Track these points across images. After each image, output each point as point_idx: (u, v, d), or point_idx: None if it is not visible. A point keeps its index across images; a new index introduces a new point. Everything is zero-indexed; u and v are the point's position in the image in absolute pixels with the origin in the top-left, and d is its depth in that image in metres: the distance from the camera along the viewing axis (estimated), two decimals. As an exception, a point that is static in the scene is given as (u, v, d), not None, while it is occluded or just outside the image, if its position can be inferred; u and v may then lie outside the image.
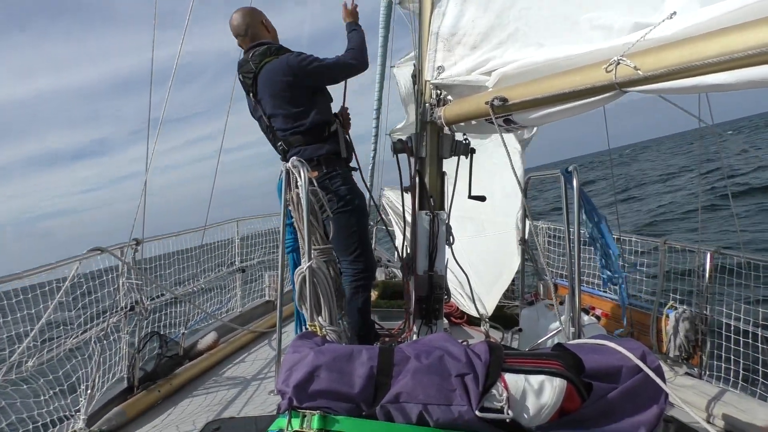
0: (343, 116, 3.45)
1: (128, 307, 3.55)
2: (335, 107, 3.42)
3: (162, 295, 4.22)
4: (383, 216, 7.07)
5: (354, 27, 3.35)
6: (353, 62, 3.22)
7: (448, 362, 1.71)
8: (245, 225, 6.01)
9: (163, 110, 3.97)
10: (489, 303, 4.66)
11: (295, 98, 3.14)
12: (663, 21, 1.73)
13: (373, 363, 1.74)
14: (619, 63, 1.75)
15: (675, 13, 1.71)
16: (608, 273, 3.13)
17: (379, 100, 7.64)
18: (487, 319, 4.49)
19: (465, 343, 1.91)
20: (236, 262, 5.80)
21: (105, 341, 3.40)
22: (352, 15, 3.40)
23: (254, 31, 3.33)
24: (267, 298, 5.97)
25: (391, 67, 6.83)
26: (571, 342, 2.16)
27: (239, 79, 3.36)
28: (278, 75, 3.13)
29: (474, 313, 4.35)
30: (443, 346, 1.79)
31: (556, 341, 2.84)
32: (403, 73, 6.32)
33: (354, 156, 3.40)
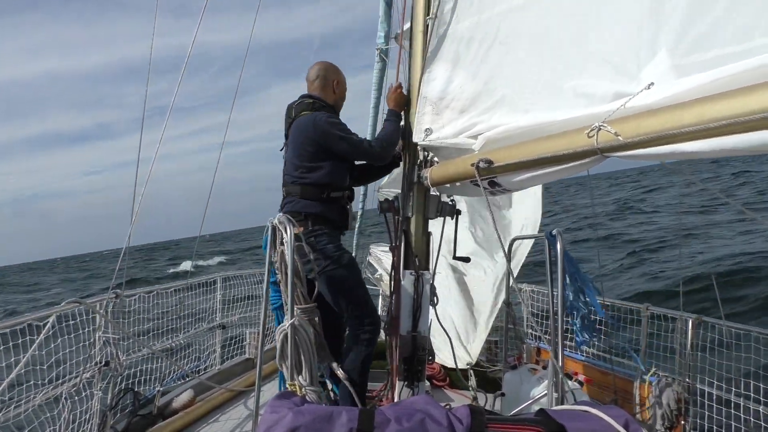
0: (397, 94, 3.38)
1: (103, 362, 3.46)
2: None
3: (139, 350, 4.12)
4: (369, 274, 7.04)
5: (390, 117, 3.33)
6: (375, 153, 3.21)
7: (429, 426, 1.68)
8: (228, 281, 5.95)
9: (171, 107, 3.94)
10: (473, 351, 4.65)
11: (312, 153, 3.15)
12: (641, 91, 1.80)
13: (353, 425, 1.70)
14: (600, 129, 1.81)
15: (653, 83, 1.78)
16: (585, 336, 3.14)
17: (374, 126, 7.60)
18: (472, 368, 4.46)
19: (447, 406, 1.88)
20: (217, 318, 5.71)
21: (77, 397, 3.29)
22: (395, 101, 3.36)
23: (322, 84, 3.40)
24: (247, 355, 5.85)
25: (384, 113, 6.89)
26: (554, 408, 2.13)
27: (284, 121, 3.43)
28: (303, 128, 3.17)
29: (460, 364, 4.32)
30: (425, 409, 1.76)
31: (538, 406, 2.80)
32: None
33: (348, 225, 3.36)
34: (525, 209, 4.83)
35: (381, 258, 7.25)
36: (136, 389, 3.73)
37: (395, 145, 3.31)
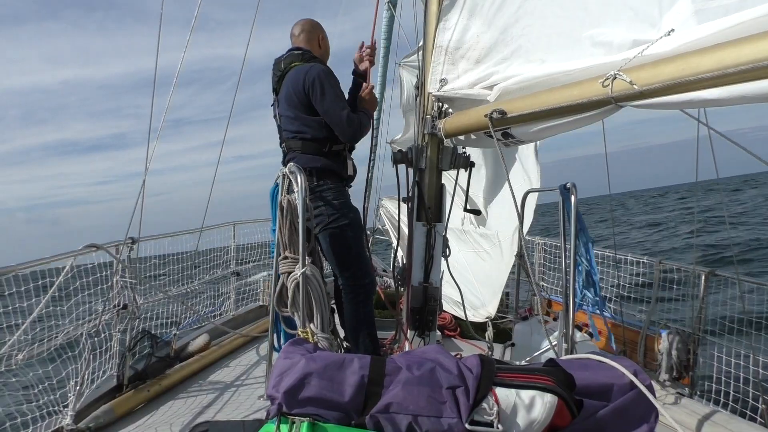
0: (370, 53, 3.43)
1: (121, 305, 3.54)
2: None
3: (155, 294, 4.20)
4: (380, 226, 7.07)
5: (365, 111, 3.29)
6: (346, 128, 3.10)
7: (440, 374, 1.70)
8: (241, 228, 6.01)
9: (165, 112, 3.94)
10: (493, 306, 4.72)
11: (306, 104, 3.11)
12: (661, 38, 1.74)
13: (365, 372, 1.74)
14: (615, 77, 1.76)
15: (673, 30, 1.72)
16: (588, 295, 3.16)
17: (380, 102, 7.59)
18: (490, 322, 4.53)
19: (458, 356, 1.90)
20: (231, 266, 5.79)
21: (96, 338, 3.38)
22: (368, 102, 3.34)
23: (308, 37, 3.36)
24: (260, 302, 5.96)
25: (397, 64, 6.81)
26: (564, 358, 2.16)
27: (271, 75, 3.38)
28: (298, 78, 3.12)
29: (479, 319, 4.38)
30: (435, 358, 1.79)
31: (548, 357, 2.84)
32: (407, 78, 6.32)
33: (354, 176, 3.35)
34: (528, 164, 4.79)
35: (393, 211, 7.26)
36: (153, 333, 3.82)
37: (365, 133, 3.27)
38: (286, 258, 2.57)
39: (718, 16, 1.57)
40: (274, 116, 3.35)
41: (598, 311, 3.33)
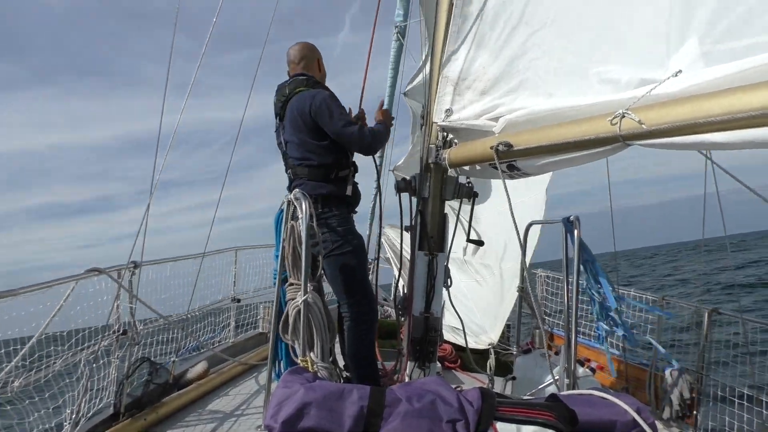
0: (360, 118, 3.43)
1: (120, 331, 3.52)
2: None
3: (156, 320, 4.18)
4: (382, 255, 7.05)
5: (380, 124, 3.35)
6: (363, 139, 3.14)
7: (440, 407, 1.68)
8: (243, 254, 6.01)
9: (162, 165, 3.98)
10: (495, 333, 4.68)
11: (313, 129, 3.13)
12: (668, 78, 1.76)
13: (364, 403, 1.72)
14: (623, 116, 1.78)
15: (680, 71, 1.74)
16: (605, 327, 3.11)
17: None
18: (493, 348, 4.50)
19: (458, 388, 1.88)
20: (232, 291, 5.77)
21: (95, 365, 3.36)
22: (383, 117, 3.40)
23: (307, 64, 3.39)
24: (260, 330, 5.92)
25: (402, 93, 6.85)
26: (565, 393, 2.13)
27: (274, 101, 3.41)
28: (304, 103, 3.14)
29: (481, 346, 4.34)
30: (435, 390, 1.77)
31: (549, 391, 2.81)
32: (415, 104, 6.37)
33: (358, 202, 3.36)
34: (533, 195, 4.82)
35: (394, 240, 7.26)
36: (152, 359, 3.78)
37: (381, 144, 3.29)
38: (292, 285, 2.56)
39: (725, 59, 1.59)
40: (279, 143, 3.37)
41: (617, 342, 3.27)
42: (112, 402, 3.44)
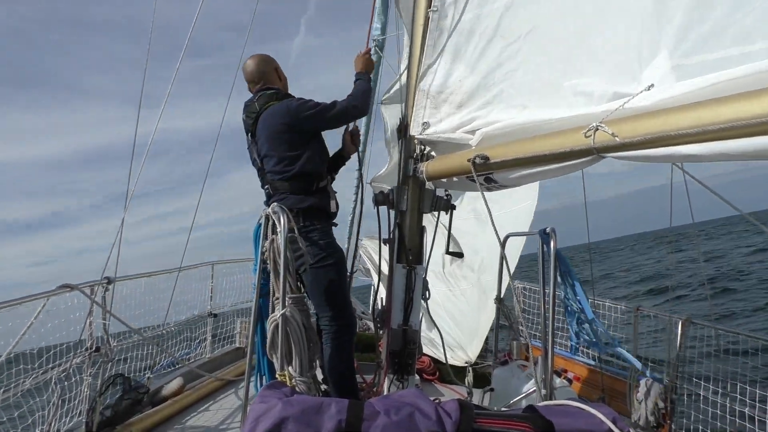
0: (353, 135, 3.47)
1: (93, 348, 3.45)
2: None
3: (130, 336, 4.11)
4: (361, 266, 7.04)
5: (360, 77, 3.37)
6: (350, 107, 3.19)
7: (418, 419, 1.68)
8: (219, 269, 5.95)
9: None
10: (472, 350, 4.68)
11: (289, 141, 3.12)
12: (641, 92, 1.80)
13: (342, 417, 1.71)
14: (597, 129, 1.81)
15: (653, 85, 1.79)
16: (584, 338, 3.14)
17: (364, 143, 7.61)
18: (470, 368, 4.49)
19: (436, 400, 1.88)
20: (208, 306, 5.71)
21: (66, 382, 3.28)
22: (364, 64, 3.41)
23: (267, 78, 3.37)
24: (237, 344, 5.85)
25: (379, 103, 6.85)
26: (542, 404, 2.14)
27: (243, 118, 3.39)
28: (278, 117, 3.14)
29: (458, 362, 4.33)
30: (413, 403, 1.77)
31: (527, 402, 2.82)
32: (390, 114, 6.38)
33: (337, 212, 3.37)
34: (519, 206, 4.87)
35: (372, 251, 7.25)
36: (126, 375, 3.72)
37: (369, 98, 3.33)
38: (278, 299, 2.55)
39: (696, 72, 1.63)
40: (253, 159, 3.35)
41: (597, 351, 3.30)
42: (84, 420, 3.37)
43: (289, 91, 3.47)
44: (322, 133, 3.33)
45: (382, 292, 3.31)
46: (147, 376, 4.04)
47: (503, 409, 3.09)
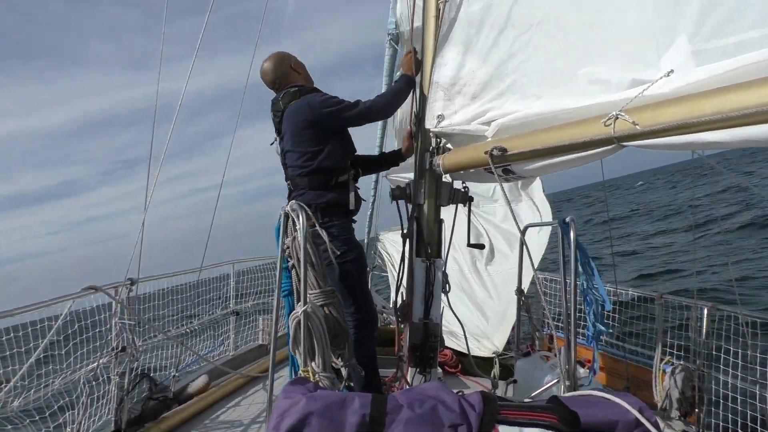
0: (411, 137, 3.39)
1: (119, 348, 3.50)
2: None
3: (154, 336, 4.17)
4: (380, 261, 7.04)
5: (400, 78, 3.35)
6: (373, 108, 3.19)
7: (441, 412, 1.68)
8: (241, 266, 6.00)
9: (167, 145, 3.97)
10: (499, 340, 4.67)
11: (311, 137, 3.14)
12: (660, 78, 1.77)
13: (366, 411, 1.71)
14: (617, 118, 1.78)
15: (672, 71, 1.75)
16: (600, 327, 3.12)
17: (382, 138, 7.55)
18: (498, 355, 4.49)
19: (459, 393, 1.88)
20: (230, 305, 5.76)
21: (94, 382, 3.34)
22: (407, 64, 3.39)
23: (286, 79, 3.39)
24: (260, 341, 5.89)
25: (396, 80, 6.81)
26: (567, 394, 2.13)
27: (271, 116, 3.42)
28: (299, 113, 3.16)
29: (485, 353, 4.33)
30: (437, 396, 1.77)
31: (551, 393, 2.80)
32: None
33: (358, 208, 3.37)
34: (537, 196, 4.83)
35: (391, 245, 7.25)
36: (151, 374, 3.77)
37: (399, 101, 3.30)
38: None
39: (715, 57, 1.60)
40: (279, 153, 3.38)
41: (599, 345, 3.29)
42: (112, 419, 3.43)
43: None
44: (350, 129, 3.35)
45: (403, 286, 3.32)
46: (172, 374, 4.09)
47: (526, 400, 3.08)
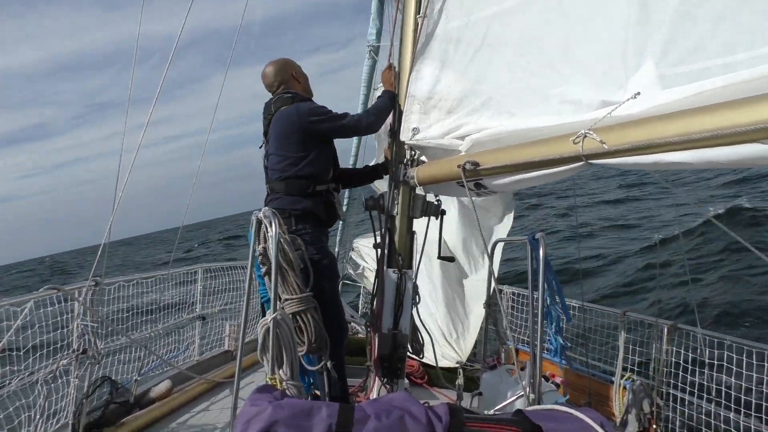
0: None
1: (80, 350, 3.43)
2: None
3: (117, 338, 4.09)
4: (351, 270, 7.03)
5: (383, 94, 3.39)
6: (360, 123, 3.26)
7: (409, 423, 1.69)
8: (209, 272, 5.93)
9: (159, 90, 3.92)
10: (463, 350, 4.71)
11: (295, 143, 3.15)
12: (627, 100, 1.84)
13: (333, 420, 1.71)
14: (586, 136, 1.84)
15: (639, 93, 1.82)
16: (560, 341, 3.19)
17: (357, 150, 7.55)
18: (462, 366, 4.52)
19: (426, 404, 1.89)
20: (197, 309, 5.68)
21: (52, 384, 3.26)
22: (388, 81, 3.43)
23: (284, 83, 3.40)
24: (226, 347, 5.82)
25: (374, 89, 6.82)
26: (531, 408, 2.16)
27: (262, 120, 3.42)
28: (286, 118, 3.18)
29: (449, 363, 4.36)
30: (404, 406, 1.78)
31: (515, 407, 2.84)
32: None
33: (339, 218, 3.38)
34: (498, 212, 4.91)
35: (364, 254, 7.23)
36: (113, 378, 3.70)
37: (384, 118, 3.35)
38: (286, 300, 2.56)
39: (680, 82, 1.67)
40: (264, 157, 3.38)
41: (563, 360, 3.35)
42: (70, 422, 3.34)
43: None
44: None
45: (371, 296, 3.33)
46: (134, 378, 4.02)
47: (491, 413, 3.12)
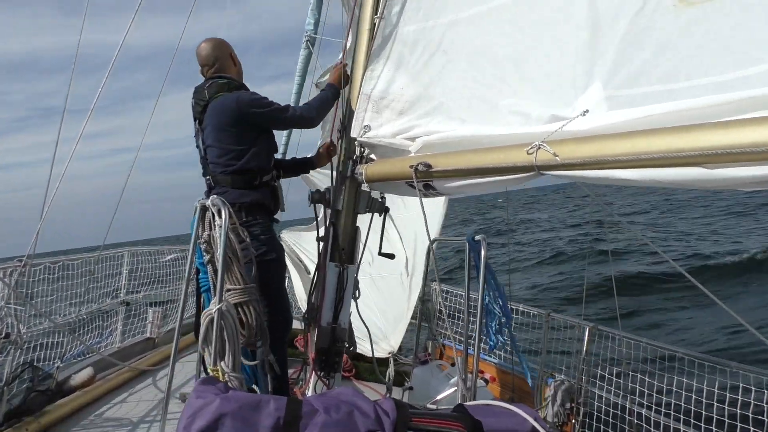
0: (329, 148, 3.48)
1: (2, 334, 3.25)
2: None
3: (41, 323, 3.91)
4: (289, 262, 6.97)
5: (327, 88, 3.39)
6: (302, 116, 3.27)
7: (358, 418, 1.74)
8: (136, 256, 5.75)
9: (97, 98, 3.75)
10: (395, 340, 4.79)
11: (236, 134, 3.10)
12: (577, 116, 1.95)
13: (281, 414, 1.74)
14: (539, 148, 1.93)
15: (587, 111, 1.93)
16: (500, 339, 3.31)
17: (286, 144, 7.49)
18: (393, 357, 4.60)
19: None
20: (121, 294, 5.49)
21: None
22: (334, 76, 3.42)
23: (221, 64, 3.32)
24: (148, 335, 5.65)
25: (313, 83, 6.79)
26: (470, 403, 2.26)
27: (191, 104, 3.30)
28: (226, 109, 3.10)
29: (381, 354, 4.43)
30: (352, 401, 1.82)
31: (446, 402, 2.94)
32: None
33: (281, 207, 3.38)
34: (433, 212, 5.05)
35: (293, 246, 7.18)
36: (35, 364, 3.53)
37: (326, 112, 3.39)
38: (228, 290, 2.53)
39: (625, 104, 1.79)
40: (197, 146, 3.29)
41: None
42: (-12, 410, 3.18)
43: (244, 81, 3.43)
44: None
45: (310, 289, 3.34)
46: (57, 365, 3.85)
47: (429, 406, 3.21)
